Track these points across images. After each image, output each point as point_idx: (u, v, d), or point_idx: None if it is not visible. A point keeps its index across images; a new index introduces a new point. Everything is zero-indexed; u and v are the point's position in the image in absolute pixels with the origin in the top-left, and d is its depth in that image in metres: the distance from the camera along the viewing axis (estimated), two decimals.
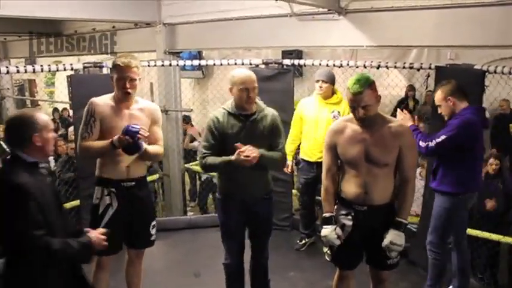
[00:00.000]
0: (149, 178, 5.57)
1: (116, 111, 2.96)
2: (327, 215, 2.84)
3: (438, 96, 3.34)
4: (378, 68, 4.44)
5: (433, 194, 3.81)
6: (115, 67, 2.90)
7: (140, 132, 2.84)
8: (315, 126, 4.19)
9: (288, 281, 3.91)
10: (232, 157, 2.85)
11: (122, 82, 2.89)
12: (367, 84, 2.58)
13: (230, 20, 5.48)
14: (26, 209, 2.01)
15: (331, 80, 4.19)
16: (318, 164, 3.91)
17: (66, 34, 7.92)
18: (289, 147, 4.15)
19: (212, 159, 2.97)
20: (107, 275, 3.16)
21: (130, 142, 2.83)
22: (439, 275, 3.48)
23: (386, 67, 4.46)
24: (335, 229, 2.80)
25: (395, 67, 4.55)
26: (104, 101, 2.96)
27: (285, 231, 4.87)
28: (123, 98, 2.94)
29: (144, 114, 3.04)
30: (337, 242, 2.79)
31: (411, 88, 7.37)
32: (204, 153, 3.02)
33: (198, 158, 6.74)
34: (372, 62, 4.47)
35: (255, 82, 2.99)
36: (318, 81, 4.22)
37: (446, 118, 3.34)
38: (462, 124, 3.22)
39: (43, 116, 2.24)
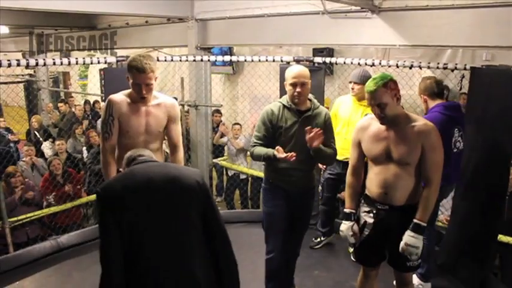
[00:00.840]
0: None
1: (133, 108, 2.99)
2: (347, 210, 2.89)
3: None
4: (410, 67, 4.36)
5: (464, 198, 3.78)
6: (131, 71, 2.87)
7: None
8: (347, 127, 4.15)
9: (313, 280, 3.90)
10: (276, 154, 2.95)
11: (138, 88, 2.90)
12: (381, 82, 2.60)
13: (262, 16, 5.48)
14: None
15: (363, 81, 4.13)
16: (344, 164, 3.92)
17: (100, 28, 8.07)
18: None
19: (259, 150, 3.09)
20: None
21: None
22: (426, 255, 3.46)
23: (419, 67, 4.37)
24: (352, 226, 2.81)
25: (428, 67, 4.47)
26: (121, 98, 2.99)
27: (311, 229, 4.84)
28: (140, 101, 2.97)
29: (161, 110, 3.06)
30: (352, 240, 2.84)
31: (444, 89, 7.21)
32: (254, 143, 3.14)
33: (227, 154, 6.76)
34: (404, 61, 4.40)
35: (306, 78, 3.07)
36: (350, 82, 4.18)
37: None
38: None
39: None
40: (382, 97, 2.60)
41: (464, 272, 3.85)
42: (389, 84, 2.61)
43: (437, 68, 4.30)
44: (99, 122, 7.46)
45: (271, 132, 3.09)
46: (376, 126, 2.75)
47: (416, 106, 6.56)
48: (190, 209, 2.00)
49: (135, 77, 2.86)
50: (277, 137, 3.08)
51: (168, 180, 1.99)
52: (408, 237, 2.63)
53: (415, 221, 2.63)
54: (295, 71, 3.09)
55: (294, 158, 2.92)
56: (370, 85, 2.63)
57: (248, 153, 6.44)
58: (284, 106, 3.11)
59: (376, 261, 2.92)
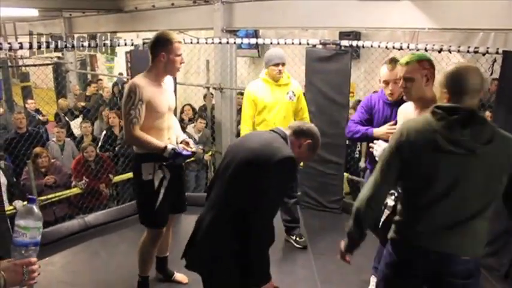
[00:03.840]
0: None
1: (157, 89, 3.04)
2: None
3: None
4: (439, 51, 4.25)
5: None
6: (170, 44, 2.97)
7: (190, 153, 3.10)
8: (272, 110, 4.05)
9: (336, 264, 3.88)
10: None
11: (179, 59, 3.03)
12: (416, 58, 2.57)
13: None
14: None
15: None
16: None
17: (126, 11, 8.11)
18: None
19: None
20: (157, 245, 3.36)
21: (182, 160, 3.11)
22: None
23: (449, 51, 4.26)
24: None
25: (458, 51, 4.35)
26: (145, 82, 2.99)
27: (334, 213, 4.86)
28: (175, 74, 3.16)
29: (168, 85, 3.17)
30: None
31: None
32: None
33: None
34: (433, 45, 4.29)
35: None
36: (277, 64, 3.95)
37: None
38: None
39: None
40: (411, 71, 2.56)
41: (490, 260, 3.79)
42: (423, 63, 2.57)
43: (468, 52, 4.18)
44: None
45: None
46: (410, 110, 2.72)
47: None
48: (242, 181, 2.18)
49: (177, 48, 2.99)
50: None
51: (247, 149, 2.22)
52: None
53: None
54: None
55: None
56: (404, 58, 2.59)
57: None
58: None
59: None
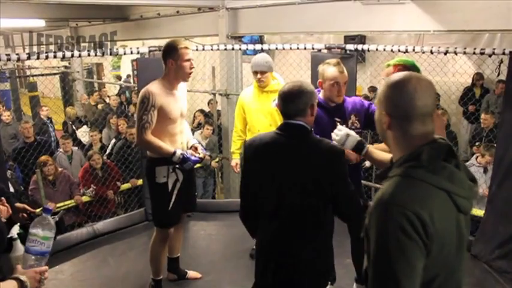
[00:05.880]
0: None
1: (170, 96, 3.15)
2: None
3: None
4: (445, 53, 4.24)
5: (501, 187, 3.67)
6: (179, 50, 3.06)
7: (198, 159, 3.23)
8: (261, 116, 3.87)
9: (345, 268, 3.88)
10: None
11: (189, 63, 3.10)
12: (393, 63, 2.64)
13: (293, 4, 5.43)
14: None
15: (271, 69, 3.86)
16: None
17: (132, 19, 8.16)
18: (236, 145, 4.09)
19: None
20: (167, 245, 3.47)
21: (190, 165, 3.17)
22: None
23: (455, 53, 4.24)
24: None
25: (464, 53, 4.33)
26: (158, 89, 3.11)
27: None
28: (186, 79, 3.18)
29: (181, 93, 3.26)
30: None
31: (480, 77, 7.02)
32: None
33: None
34: (439, 47, 4.28)
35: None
36: (255, 72, 3.83)
37: None
38: None
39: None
40: (386, 74, 2.66)
41: (501, 262, 3.77)
42: (398, 66, 2.60)
43: (474, 53, 4.16)
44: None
45: None
46: None
47: (451, 93, 6.42)
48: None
49: (186, 53, 3.07)
50: None
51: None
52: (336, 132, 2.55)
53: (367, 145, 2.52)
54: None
55: None
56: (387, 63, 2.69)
57: None
58: None
59: None
